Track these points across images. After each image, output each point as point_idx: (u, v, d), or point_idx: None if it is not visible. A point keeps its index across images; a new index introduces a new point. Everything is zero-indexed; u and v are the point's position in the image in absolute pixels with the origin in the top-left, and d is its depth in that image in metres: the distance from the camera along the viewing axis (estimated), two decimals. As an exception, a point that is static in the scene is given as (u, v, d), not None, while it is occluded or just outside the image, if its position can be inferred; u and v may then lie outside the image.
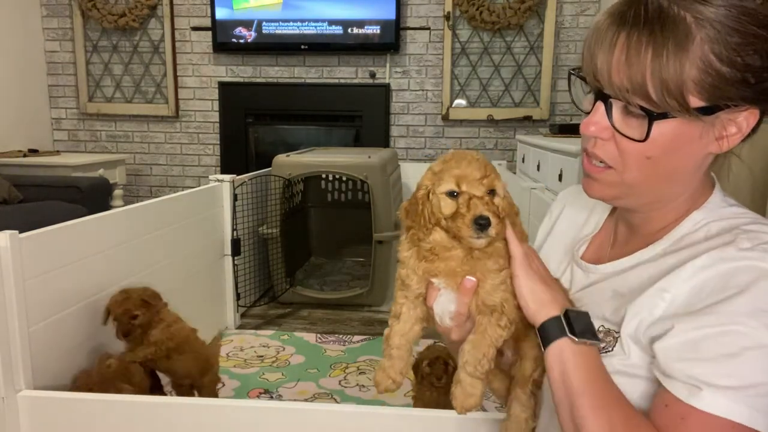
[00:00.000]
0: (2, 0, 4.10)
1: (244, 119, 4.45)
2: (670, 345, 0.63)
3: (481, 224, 0.69)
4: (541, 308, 0.71)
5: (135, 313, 1.63)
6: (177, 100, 4.47)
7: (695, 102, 0.63)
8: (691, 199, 0.73)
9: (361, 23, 4.12)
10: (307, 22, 4.16)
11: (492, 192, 0.73)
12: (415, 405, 1.77)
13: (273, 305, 3.04)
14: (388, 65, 4.26)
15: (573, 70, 0.74)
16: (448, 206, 0.72)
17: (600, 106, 0.68)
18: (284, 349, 2.50)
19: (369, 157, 3.03)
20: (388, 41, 4.13)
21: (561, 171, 2.48)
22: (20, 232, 1.38)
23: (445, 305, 0.76)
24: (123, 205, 2.94)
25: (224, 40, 4.26)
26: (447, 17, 4.11)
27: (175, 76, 4.44)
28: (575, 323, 0.69)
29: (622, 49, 0.64)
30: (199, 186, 2.82)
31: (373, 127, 4.33)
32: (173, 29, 4.38)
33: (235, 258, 2.71)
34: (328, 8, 4.13)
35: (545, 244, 0.93)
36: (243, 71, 4.40)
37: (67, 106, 4.59)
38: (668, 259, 0.69)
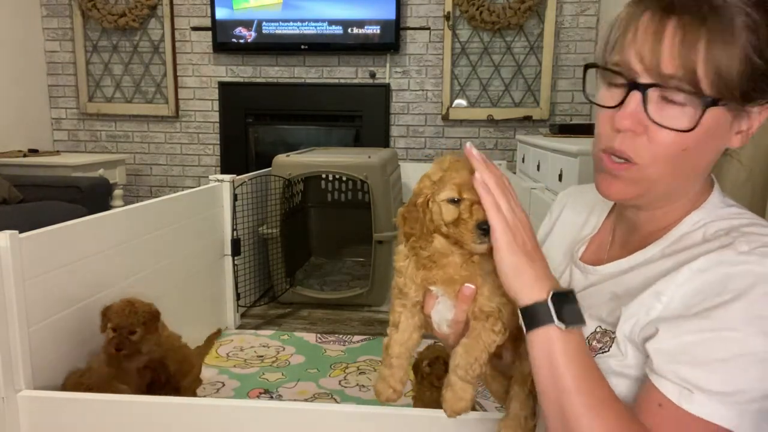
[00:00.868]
0: (2, 0, 4.10)
1: (244, 119, 4.45)
2: (665, 346, 0.62)
3: (484, 229, 0.68)
4: (523, 288, 0.66)
5: (135, 329, 1.58)
6: (177, 100, 4.47)
7: (736, 92, 0.63)
8: (692, 199, 0.72)
9: (361, 23, 4.12)
10: (307, 22, 4.16)
11: None
12: (415, 405, 1.77)
13: (273, 305, 3.04)
14: (388, 65, 4.26)
15: (589, 64, 0.73)
16: (449, 212, 0.72)
17: (633, 97, 0.65)
18: (284, 349, 2.50)
19: (369, 157, 3.03)
20: (388, 41, 4.13)
21: (561, 171, 2.48)
22: (20, 232, 1.38)
23: (443, 313, 0.76)
24: (123, 205, 2.94)
25: (224, 40, 4.26)
26: (447, 17, 4.11)
27: (175, 76, 4.43)
28: (564, 308, 0.65)
29: (673, 37, 0.62)
30: (199, 186, 2.82)
31: (373, 127, 4.33)
32: (173, 29, 4.38)
33: (235, 258, 2.70)
34: (328, 8, 4.13)
35: (545, 244, 0.93)
36: (243, 71, 4.40)
37: (67, 106, 4.59)
38: (666, 262, 0.69)
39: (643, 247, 0.74)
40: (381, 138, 4.31)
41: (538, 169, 3.00)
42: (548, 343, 0.65)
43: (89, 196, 3.42)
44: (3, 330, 1.32)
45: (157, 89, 4.50)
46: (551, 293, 0.65)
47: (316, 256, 3.80)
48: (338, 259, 3.75)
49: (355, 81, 4.31)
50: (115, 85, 4.52)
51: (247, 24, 4.21)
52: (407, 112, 4.33)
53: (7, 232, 1.33)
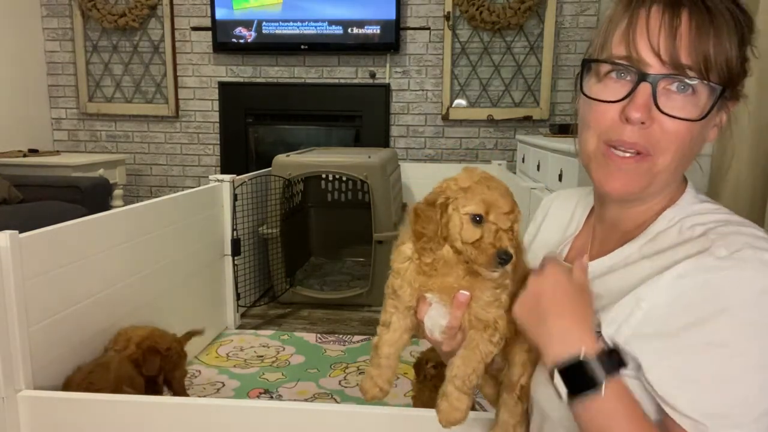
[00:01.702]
0: (2, 0, 4.10)
1: (244, 119, 4.45)
2: (664, 374, 0.62)
3: (504, 259, 0.68)
4: (563, 346, 0.66)
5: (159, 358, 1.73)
6: (177, 100, 4.47)
7: (735, 81, 0.66)
8: (668, 196, 0.73)
9: (361, 23, 4.12)
10: (307, 22, 4.16)
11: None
12: (415, 405, 1.77)
13: (273, 305, 3.04)
14: (388, 65, 4.26)
15: (588, 59, 0.73)
16: (470, 233, 0.70)
17: (644, 89, 0.66)
18: (284, 349, 2.50)
19: (369, 157, 3.03)
20: (388, 41, 4.13)
21: (561, 171, 2.48)
22: (20, 232, 1.38)
23: (436, 319, 0.76)
24: (123, 205, 2.94)
25: (224, 40, 4.25)
26: (447, 17, 4.11)
27: (175, 76, 4.43)
28: (607, 363, 0.64)
29: (687, 29, 0.64)
30: (199, 186, 2.82)
31: (373, 127, 4.33)
32: (173, 29, 4.38)
33: (235, 258, 2.70)
34: (328, 8, 4.13)
35: (531, 247, 0.92)
36: (243, 71, 4.40)
37: (67, 106, 4.59)
38: (645, 264, 0.68)
39: (622, 245, 0.74)
40: (381, 138, 4.31)
41: (538, 169, 2.99)
42: (599, 412, 0.64)
43: (89, 196, 3.42)
44: (3, 330, 1.32)
45: (157, 89, 4.50)
46: (598, 352, 0.65)
47: (316, 256, 3.80)
48: (338, 259, 3.75)
49: (355, 81, 4.31)
50: (115, 85, 4.52)
51: (247, 24, 4.21)
52: (407, 112, 4.32)
53: (7, 232, 1.33)
